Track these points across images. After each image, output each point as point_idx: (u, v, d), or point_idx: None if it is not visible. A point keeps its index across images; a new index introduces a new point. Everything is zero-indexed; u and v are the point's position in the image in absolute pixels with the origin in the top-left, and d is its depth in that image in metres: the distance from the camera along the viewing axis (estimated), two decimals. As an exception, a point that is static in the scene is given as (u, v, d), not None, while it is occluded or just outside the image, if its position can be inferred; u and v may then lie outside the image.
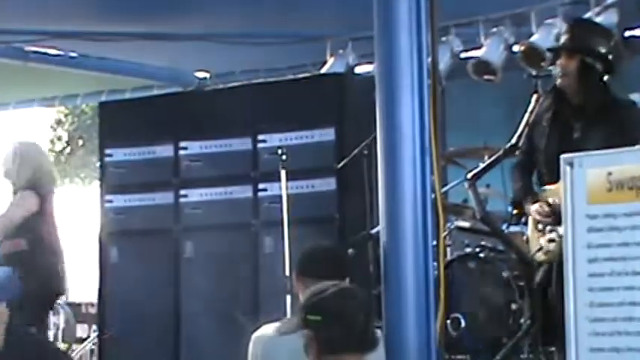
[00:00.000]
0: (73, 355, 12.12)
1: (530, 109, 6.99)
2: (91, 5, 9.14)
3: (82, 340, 13.55)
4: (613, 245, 4.84)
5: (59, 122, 20.01)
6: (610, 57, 6.81)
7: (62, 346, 12.28)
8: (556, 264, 6.45)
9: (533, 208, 6.81)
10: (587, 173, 4.90)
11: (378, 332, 4.59)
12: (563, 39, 6.94)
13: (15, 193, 8.61)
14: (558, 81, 6.78)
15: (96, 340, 10.86)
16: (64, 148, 19.83)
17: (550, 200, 6.65)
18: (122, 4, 9.00)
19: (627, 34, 8.72)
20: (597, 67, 6.72)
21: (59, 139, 20.03)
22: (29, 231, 8.43)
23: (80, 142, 19.45)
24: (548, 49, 7.72)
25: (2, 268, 4.80)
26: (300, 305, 4.62)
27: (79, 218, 18.20)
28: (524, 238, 7.07)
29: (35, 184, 8.57)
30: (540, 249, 6.79)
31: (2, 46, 10.40)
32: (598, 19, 8.22)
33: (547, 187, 6.73)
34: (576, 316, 4.87)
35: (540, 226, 6.78)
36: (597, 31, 7.22)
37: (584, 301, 4.87)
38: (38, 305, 8.24)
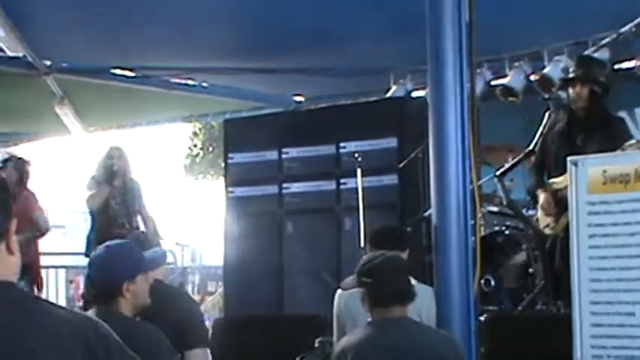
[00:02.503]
0: (205, 303, 12.16)
1: (543, 123, 6.92)
2: (219, 48, 9.17)
3: (211, 294, 13.62)
4: (607, 224, 4.81)
5: (195, 134, 20.10)
6: (606, 84, 6.78)
7: (197, 297, 12.33)
8: (560, 239, 6.40)
9: (544, 199, 6.76)
10: (588, 170, 4.86)
11: (421, 286, 4.52)
12: (577, 72, 6.90)
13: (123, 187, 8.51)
14: (572, 103, 6.73)
15: (221, 292, 10.89)
16: (198, 153, 19.99)
17: (555, 187, 6.60)
18: (240, 47, 9.03)
19: (616, 66, 8.61)
20: (599, 92, 6.68)
21: (195, 146, 20.17)
22: None
23: (210, 148, 19.57)
24: (562, 79, 7.64)
25: (155, 249, 4.75)
26: (356, 269, 4.58)
27: (210, 204, 18.31)
28: (536, 218, 7.02)
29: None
30: (547, 226, 6.74)
31: (154, 78, 10.46)
32: (594, 55, 8.12)
33: (553, 179, 6.67)
34: (579, 278, 4.83)
35: (546, 210, 6.75)
36: (598, 64, 7.20)
37: (586, 266, 4.83)
38: None
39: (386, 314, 4.34)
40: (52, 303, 2.18)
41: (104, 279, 4.07)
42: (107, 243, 4.25)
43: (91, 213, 8.46)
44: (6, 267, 2.07)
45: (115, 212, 8.33)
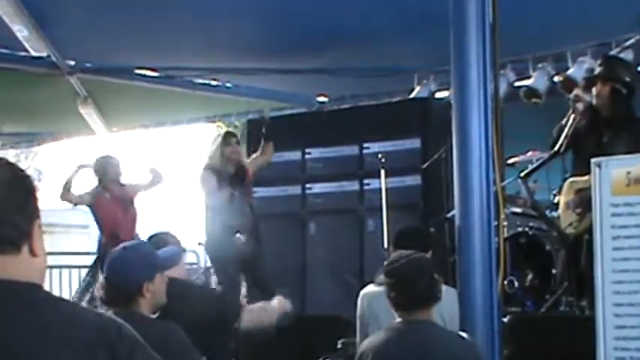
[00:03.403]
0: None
1: (569, 123, 6.91)
2: (242, 48, 9.20)
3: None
4: (630, 226, 4.80)
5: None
6: (631, 84, 6.77)
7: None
8: (585, 240, 6.39)
9: (569, 199, 6.76)
10: (611, 172, 4.86)
11: (443, 287, 4.52)
12: (598, 70, 6.91)
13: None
14: (594, 101, 6.75)
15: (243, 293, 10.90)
16: (222, 153, 20.08)
17: (578, 187, 6.60)
18: (264, 47, 9.06)
19: (640, 68, 8.62)
20: (623, 92, 6.68)
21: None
22: None
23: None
24: (585, 78, 7.64)
25: (168, 247, 4.78)
26: (382, 270, 4.60)
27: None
28: (557, 215, 7.02)
29: None
30: (570, 225, 6.74)
31: (178, 79, 10.51)
32: (619, 56, 8.11)
33: (576, 178, 6.67)
34: (603, 279, 4.82)
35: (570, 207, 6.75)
36: (623, 64, 7.18)
37: (609, 268, 4.82)
38: None
39: (409, 316, 4.35)
40: (75, 304, 2.21)
41: (123, 280, 4.11)
42: (124, 244, 4.29)
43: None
44: (29, 269, 2.08)
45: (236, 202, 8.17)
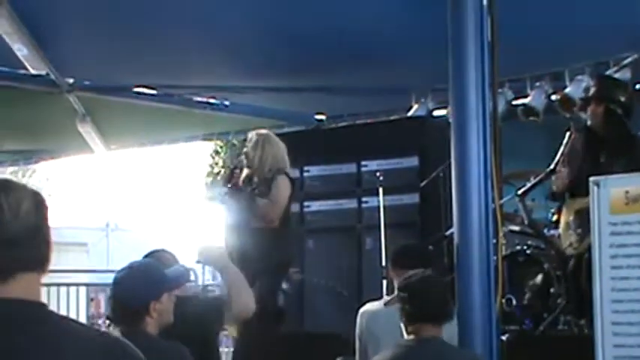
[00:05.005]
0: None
1: (565, 142, 6.93)
2: (240, 66, 9.22)
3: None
4: (629, 245, 4.80)
5: (217, 152, 20.22)
6: (627, 104, 6.77)
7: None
8: (584, 259, 6.39)
9: (566, 217, 6.76)
10: (610, 191, 4.85)
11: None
12: (592, 90, 6.92)
13: (260, 179, 7.90)
14: (589, 121, 6.78)
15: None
16: (220, 171, 20.11)
17: (577, 207, 6.60)
18: (262, 66, 9.07)
19: (638, 86, 8.63)
20: (618, 111, 6.69)
21: (217, 164, 20.29)
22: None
23: (232, 166, 19.76)
24: (580, 99, 7.66)
25: (176, 266, 4.74)
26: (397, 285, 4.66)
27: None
28: (558, 235, 7.02)
29: (280, 168, 7.86)
30: (570, 245, 6.74)
31: (176, 97, 10.52)
32: (615, 76, 8.13)
33: (576, 198, 6.67)
34: (602, 298, 4.82)
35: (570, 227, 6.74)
36: (617, 84, 7.19)
37: (608, 286, 4.81)
38: (279, 272, 7.82)
39: (418, 333, 4.39)
40: (81, 324, 2.24)
41: (131, 298, 4.08)
42: (131, 262, 4.27)
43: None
44: (38, 289, 2.16)
45: None
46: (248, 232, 7.71)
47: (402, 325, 4.52)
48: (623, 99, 6.77)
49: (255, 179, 7.94)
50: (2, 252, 2.08)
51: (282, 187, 7.78)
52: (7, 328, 2.05)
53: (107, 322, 4.22)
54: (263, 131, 8.19)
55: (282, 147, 7.98)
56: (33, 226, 2.13)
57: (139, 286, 4.09)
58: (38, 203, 2.16)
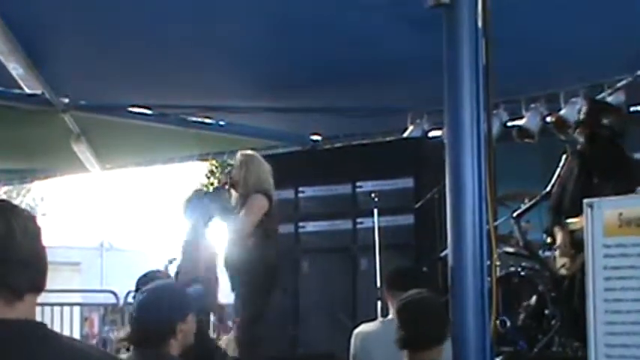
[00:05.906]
0: (221, 341, 12.09)
1: (560, 164, 6.96)
2: (236, 86, 9.24)
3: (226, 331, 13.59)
4: (623, 267, 4.80)
5: (212, 172, 20.23)
6: (617, 126, 6.82)
7: (213, 335, 12.28)
8: (577, 279, 6.41)
9: (561, 239, 6.79)
10: (604, 213, 4.86)
11: None
12: (581, 115, 6.99)
13: (243, 197, 7.91)
14: (578, 146, 6.84)
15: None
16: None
17: (571, 228, 6.63)
18: (257, 86, 9.10)
19: (632, 109, 8.67)
20: (604, 135, 6.74)
21: (212, 184, 20.32)
22: (258, 227, 7.71)
23: (226, 186, 19.75)
24: (574, 122, 7.72)
25: (196, 287, 4.72)
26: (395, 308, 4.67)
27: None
28: (553, 257, 7.05)
29: (261, 187, 7.87)
30: (563, 266, 6.77)
31: (171, 117, 10.54)
32: (609, 99, 8.18)
33: (570, 220, 6.70)
34: (595, 320, 4.82)
35: (562, 251, 6.77)
36: (607, 108, 7.25)
37: (601, 309, 4.82)
38: (265, 288, 7.73)
39: (415, 355, 4.39)
40: (81, 342, 2.29)
41: (155, 320, 4.02)
42: (152, 284, 4.22)
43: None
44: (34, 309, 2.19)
45: None
46: (230, 241, 7.77)
47: (399, 350, 4.51)
48: (609, 122, 6.82)
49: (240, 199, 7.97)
50: (17, 273, 2.11)
51: (256, 203, 7.78)
52: (20, 349, 2.06)
53: (124, 343, 4.17)
54: (248, 152, 8.25)
55: (266, 168, 8.03)
56: (39, 247, 2.18)
57: (164, 307, 4.05)
58: (36, 225, 2.20)
